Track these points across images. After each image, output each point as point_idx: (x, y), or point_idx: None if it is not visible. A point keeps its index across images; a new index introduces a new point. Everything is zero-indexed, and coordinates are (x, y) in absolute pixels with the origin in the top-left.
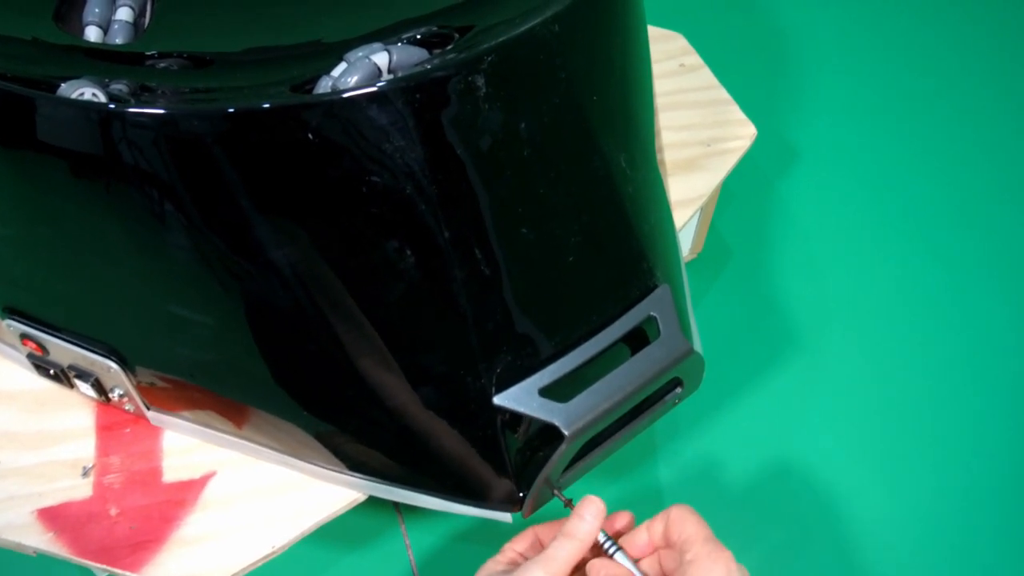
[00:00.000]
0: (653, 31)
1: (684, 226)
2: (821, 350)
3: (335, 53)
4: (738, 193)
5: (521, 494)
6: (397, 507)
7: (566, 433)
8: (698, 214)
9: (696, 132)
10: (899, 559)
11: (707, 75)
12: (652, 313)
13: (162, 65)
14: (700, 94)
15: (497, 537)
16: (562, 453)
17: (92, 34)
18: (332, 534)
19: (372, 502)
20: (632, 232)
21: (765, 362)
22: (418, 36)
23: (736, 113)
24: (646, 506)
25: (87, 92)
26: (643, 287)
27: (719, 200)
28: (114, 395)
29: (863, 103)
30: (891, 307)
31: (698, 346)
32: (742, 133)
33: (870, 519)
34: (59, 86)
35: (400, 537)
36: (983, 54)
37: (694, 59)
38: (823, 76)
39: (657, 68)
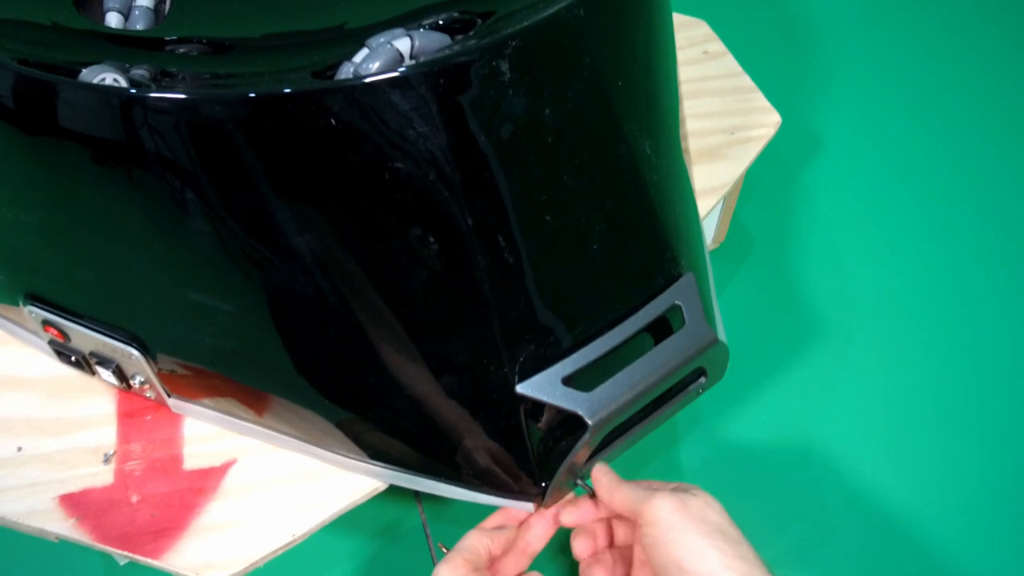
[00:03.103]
0: (676, 18)
1: (707, 215)
2: (844, 340)
3: (356, 39)
4: (761, 182)
5: (543, 484)
6: (417, 496)
7: (589, 422)
8: (721, 203)
9: (719, 120)
10: (924, 550)
11: (731, 62)
12: (676, 302)
13: (182, 51)
14: (724, 81)
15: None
16: (585, 443)
17: (113, 20)
18: (352, 523)
19: (392, 491)
20: (657, 220)
21: (788, 352)
22: (440, 22)
23: (760, 101)
24: None
25: (108, 77)
26: (667, 275)
27: (742, 189)
28: (135, 382)
29: (889, 92)
30: (915, 298)
31: (723, 335)
32: (766, 121)
33: (894, 510)
34: (80, 71)
35: (420, 526)
36: (1012, 44)
37: (717, 46)
38: (848, 64)
39: (680, 55)
